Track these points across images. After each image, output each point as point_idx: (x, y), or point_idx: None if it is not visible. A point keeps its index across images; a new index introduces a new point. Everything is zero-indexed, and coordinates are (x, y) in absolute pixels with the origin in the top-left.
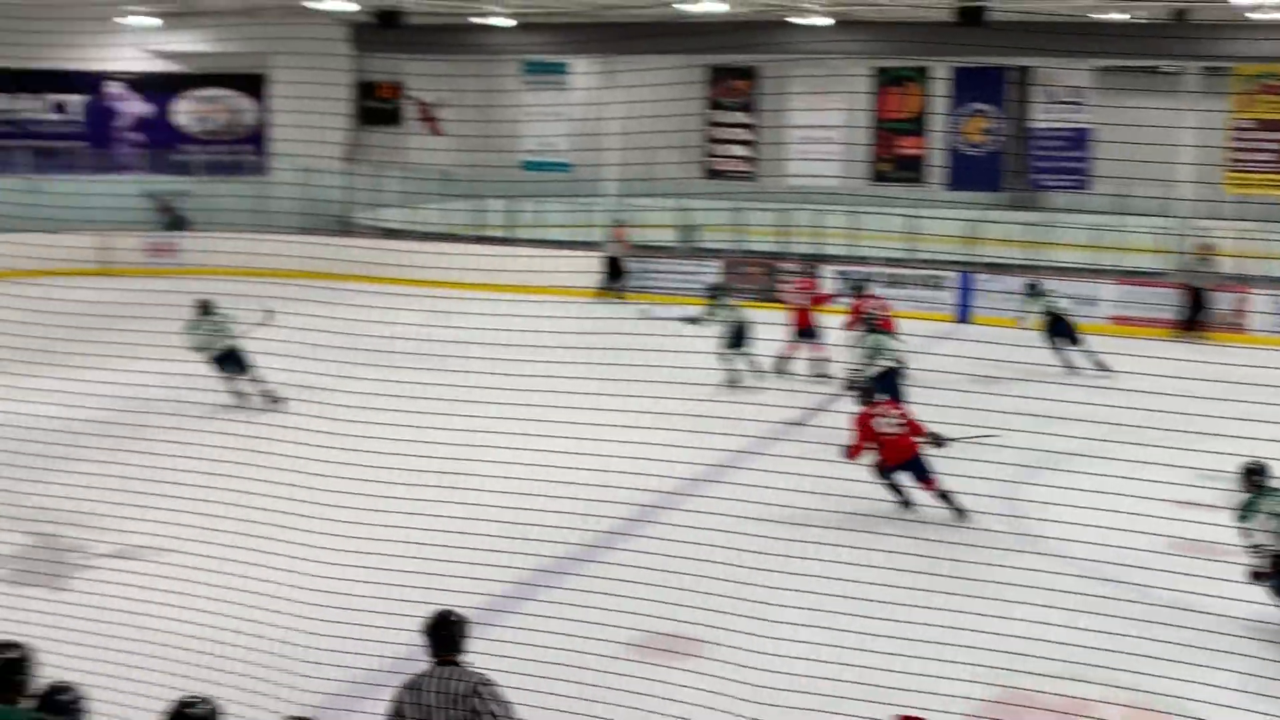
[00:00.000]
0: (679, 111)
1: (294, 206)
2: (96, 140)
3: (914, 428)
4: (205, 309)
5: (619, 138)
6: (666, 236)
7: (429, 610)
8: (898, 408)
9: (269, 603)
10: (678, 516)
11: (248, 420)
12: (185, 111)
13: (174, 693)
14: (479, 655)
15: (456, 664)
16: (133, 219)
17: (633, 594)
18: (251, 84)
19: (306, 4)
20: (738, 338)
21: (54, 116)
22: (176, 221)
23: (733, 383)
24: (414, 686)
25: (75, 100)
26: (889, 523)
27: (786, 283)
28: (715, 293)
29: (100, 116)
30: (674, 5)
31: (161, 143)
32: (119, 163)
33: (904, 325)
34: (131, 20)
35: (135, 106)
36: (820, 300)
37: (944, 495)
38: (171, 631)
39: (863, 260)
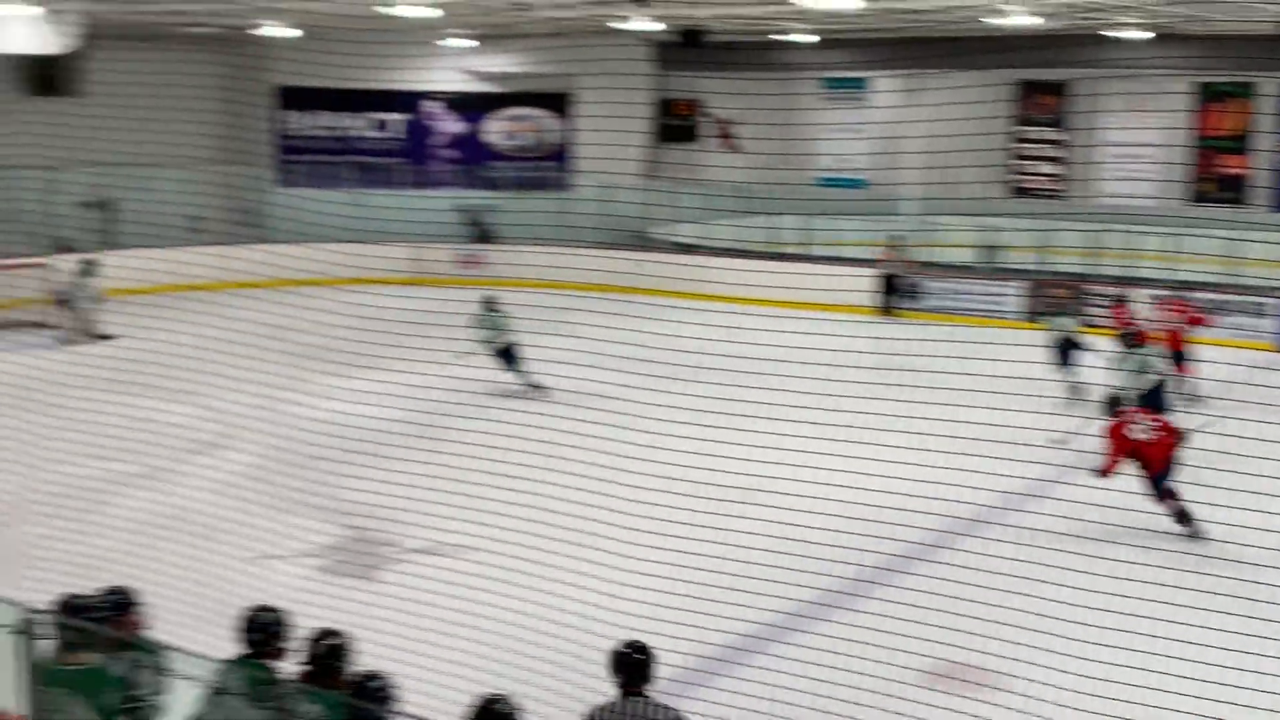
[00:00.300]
0: (983, 129)
1: (594, 221)
2: (414, 157)
3: (1169, 431)
4: (490, 305)
5: (919, 155)
6: (967, 256)
7: (721, 623)
8: (1150, 414)
9: (568, 604)
10: (971, 543)
11: (549, 426)
12: (496, 129)
13: (479, 687)
14: (763, 674)
15: (645, 696)
16: (445, 232)
17: (925, 620)
18: (558, 103)
19: (613, 24)
20: (1066, 354)
21: (376, 134)
22: (484, 234)
23: (1072, 397)
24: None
25: (396, 119)
26: (1167, 539)
27: (1102, 305)
28: (1047, 310)
29: (418, 134)
30: (981, 20)
31: (473, 159)
32: (434, 178)
33: (1222, 354)
34: (450, 43)
35: (451, 125)
36: (1195, 322)
37: (1181, 513)
38: (477, 627)
39: (1181, 284)
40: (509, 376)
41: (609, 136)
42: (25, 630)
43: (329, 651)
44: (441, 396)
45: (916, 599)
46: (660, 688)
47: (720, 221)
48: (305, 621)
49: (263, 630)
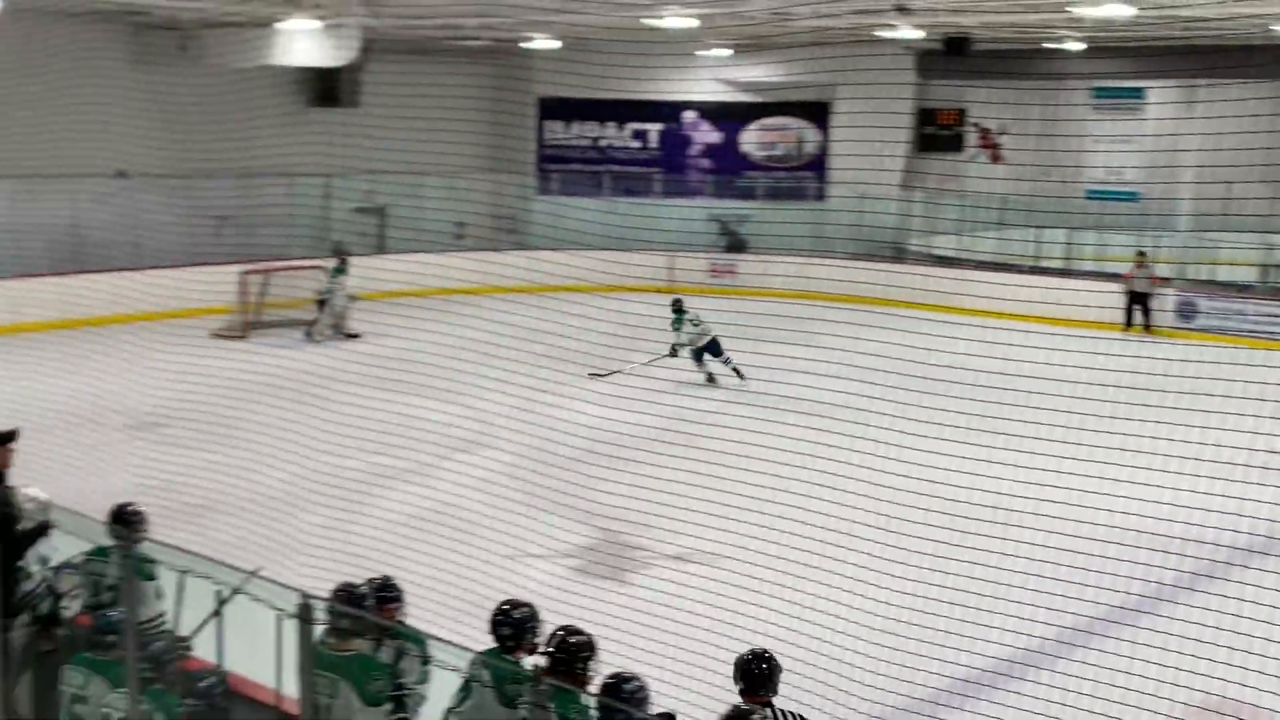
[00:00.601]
0: (1270, 143)
1: (848, 232)
2: (669, 166)
3: None
4: (679, 307)
5: (1196, 169)
6: (1246, 275)
7: (974, 645)
8: None
9: (818, 616)
10: (1242, 574)
11: (798, 437)
12: (752, 139)
13: (730, 695)
14: (1019, 700)
15: (770, 705)
16: (698, 241)
17: (1194, 652)
18: (816, 112)
19: (876, 33)
20: None
21: (633, 144)
22: (737, 244)
23: None
24: None
25: (653, 129)
26: None
27: None
28: None
29: (674, 144)
30: (1270, 27)
31: (728, 169)
32: (688, 188)
33: None
34: (708, 53)
35: (707, 134)
36: None
37: None
38: (726, 634)
39: None
40: (714, 369)
41: (867, 146)
42: (303, 616)
43: (573, 648)
44: (692, 404)
45: (1185, 629)
46: (908, 709)
47: (980, 234)
48: (557, 619)
49: (515, 625)
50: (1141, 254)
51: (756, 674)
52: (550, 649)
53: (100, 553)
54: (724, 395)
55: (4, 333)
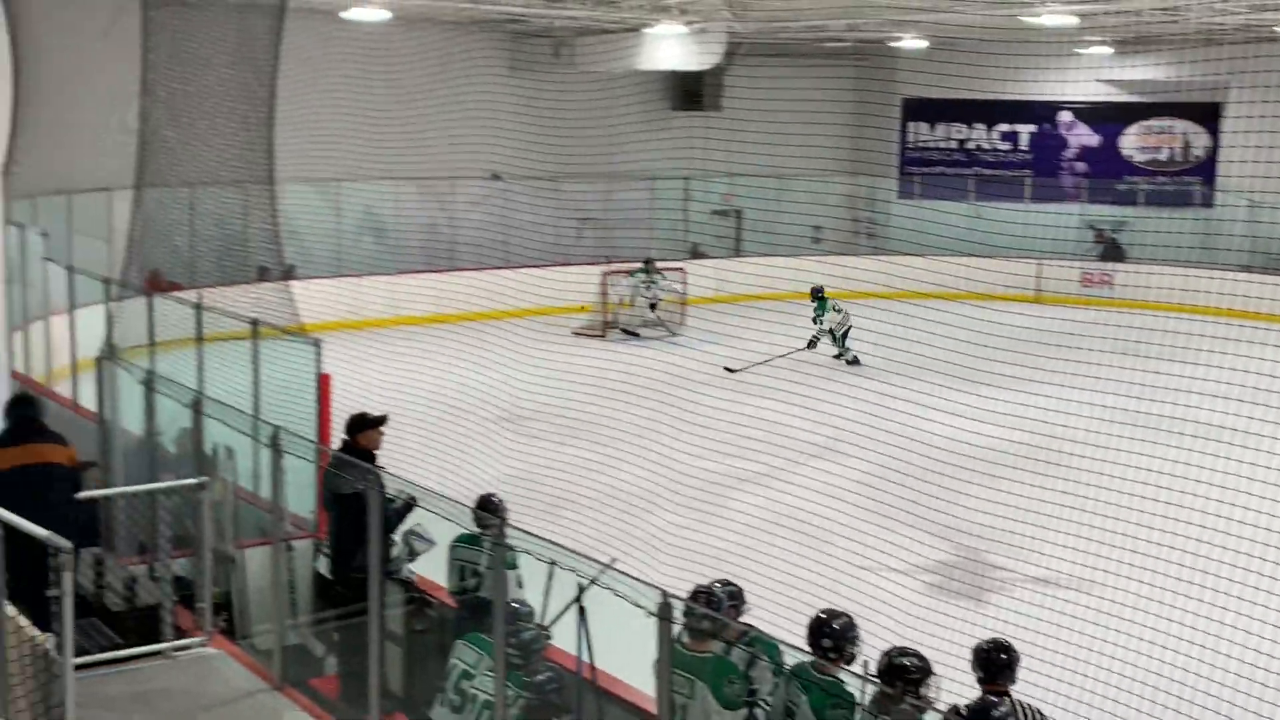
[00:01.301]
0: None
1: (1239, 243)
2: (1041, 169)
3: None
4: (820, 294)
5: None
6: None
7: None
8: None
9: (1190, 649)
10: None
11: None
12: (1132, 141)
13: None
14: None
15: (1007, 694)
16: (1069, 249)
17: None
18: (1204, 113)
19: (1276, 29)
20: None
21: (1003, 146)
22: (1113, 252)
23: None
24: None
25: (1024, 130)
26: None
27: None
28: None
29: (1046, 146)
30: None
31: (1105, 173)
32: (1061, 192)
33: None
34: (1086, 51)
35: (1083, 136)
36: None
37: None
38: (1090, 663)
39: None
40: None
41: (1265, 152)
42: (663, 614)
43: (902, 671)
44: (1059, 420)
45: None
46: None
47: None
48: (911, 636)
49: (836, 636)
50: None
51: (996, 663)
52: (883, 671)
53: (468, 539)
54: (1095, 412)
55: (384, 325)
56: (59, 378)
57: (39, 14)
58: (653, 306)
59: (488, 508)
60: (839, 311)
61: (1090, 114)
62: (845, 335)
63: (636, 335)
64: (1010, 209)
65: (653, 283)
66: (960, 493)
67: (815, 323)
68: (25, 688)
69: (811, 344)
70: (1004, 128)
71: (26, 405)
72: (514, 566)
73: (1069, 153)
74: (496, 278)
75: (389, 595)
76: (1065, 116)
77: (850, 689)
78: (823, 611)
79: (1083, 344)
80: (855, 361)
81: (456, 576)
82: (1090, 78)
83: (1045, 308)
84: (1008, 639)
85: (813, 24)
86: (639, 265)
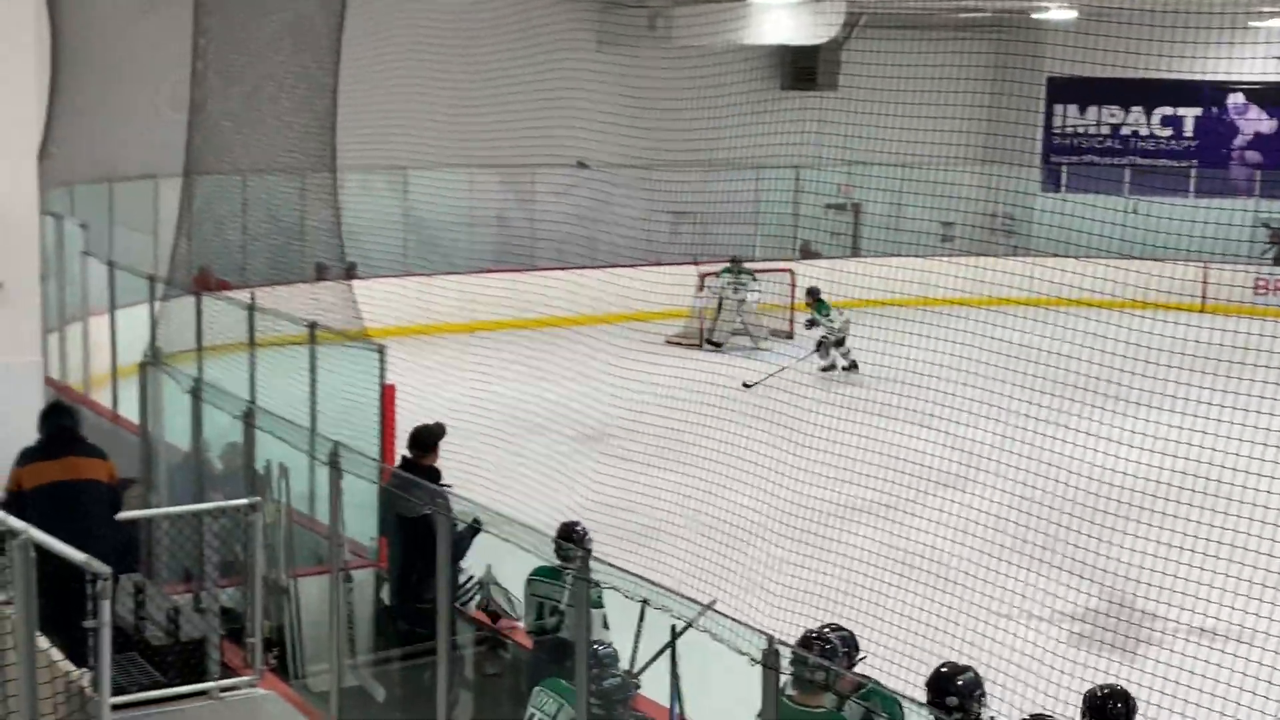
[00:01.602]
0: None
1: None
2: (1207, 159)
3: None
4: (817, 295)
5: None
6: None
7: None
8: None
9: None
10: None
11: None
12: None
13: None
14: None
15: None
16: (1242, 250)
17: None
18: None
19: None
20: None
21: (1163, 133)
22: None
23: None
24: None
25: (1188, 114)
26: None
27: None
28: None
29: (1215, 132)
30: None
31: None
32: (1232, 185)
33: None
34: (1265, 24)
35: (1257, 122)
36: None
37: None
38: None
39: None
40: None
41: None
42: (769, 663)
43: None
44: (1226, 448)
45: None
46: None
47: None
48: (1051, 692)
49: (962, 693)
50: None
51: (1110, 713)
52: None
53: (547, 573)
54: (1269, 438)
55: (457, 330)
56: (98, 385)
57: None
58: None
59: (570, 537)
60: (842, 314)
61: (1265, 96)
62: (843, 341)
63: (718, 346)
64: (1172, 204)
65: (740, 284)
66: (1111, 529)
67: (813, 326)
68: None
69: (821, 347)
70: (1165, 111)
71: (63, 415)
72: (599, 605)
73: (1240, 140)
74: (581, 278)
75: (459, 634)
76: (1236, 99)
77: None
78: (944, 665)
79: (1257, 360)
80: (854, 367)
81: (534, 614)
82: (1266, 54)
83: (1212, 318)
84: (1124, 687)
85: None
86: (723, 265)
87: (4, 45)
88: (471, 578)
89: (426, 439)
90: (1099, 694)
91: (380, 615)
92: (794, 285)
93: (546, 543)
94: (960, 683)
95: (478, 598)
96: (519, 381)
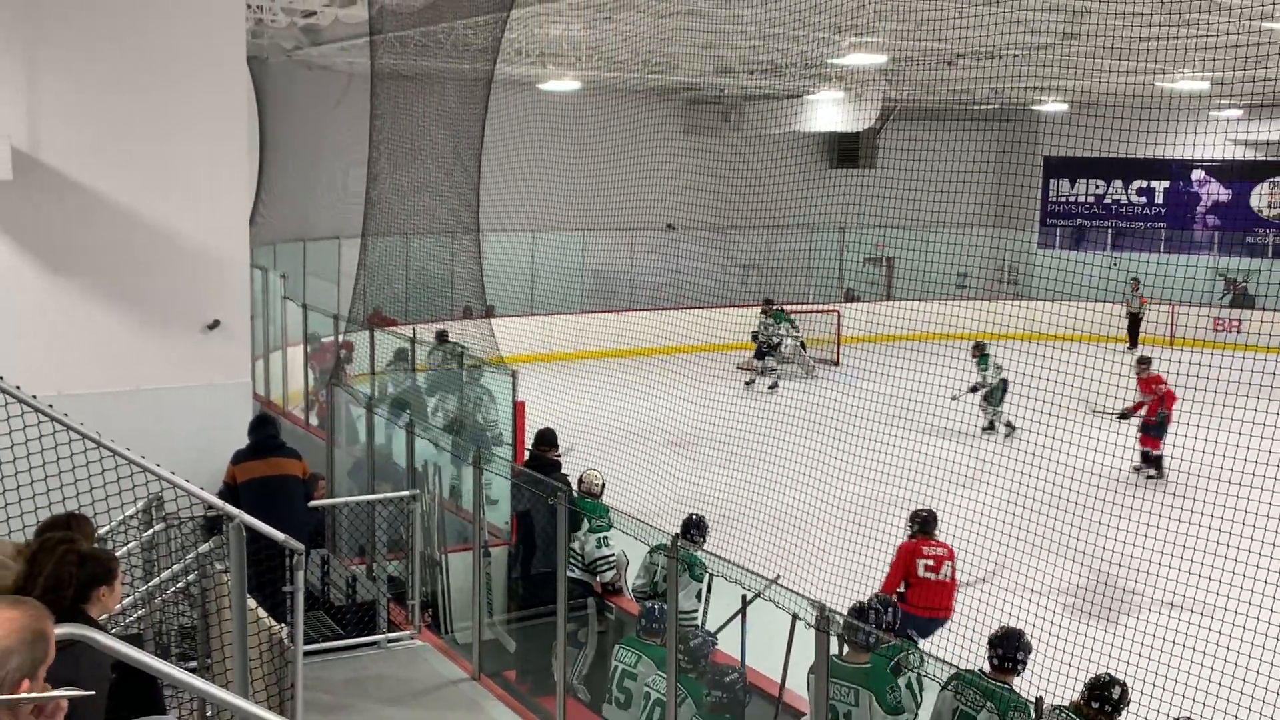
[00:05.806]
0: None
1: None
2: (1174, 222)
3: None
4: (983, 351)
5: None
6: None
7: None
8: None
9: None
10: None
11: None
12: (1262, 196)
13: None
14: None
15: None
16: (1202, 296)
17: None
18: None
19: None
20: None
21: (1138, 200)
22: (1241, 299)
23: None
24: None
25: (1159, 186)
26: None
27: None
28: None
29: (1179, 201)
30: None
31: (1235, 225)
32: (1193, 244)
33: None
34: (1224, 114)
35: (1214, 192)
36: None
37: None
38: (1211, 680)
39: None
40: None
41: None
42: (821, 626)
43: (1109, 699)
44: (1192, 455)
45: None
46: None
47: None
48: (1049, 653)
49: (1010, 648)
50: None
51: (1107, 697)
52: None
53: (664, 549)
54: (1225, 450)
55: (570, 359)
56: (293, 400)
57: (282, 90)
58: (775, 348)
59: (696, 525)
60: (1000, 369)
61: (1221, 171)
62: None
63: (752, 380)
64: (1145, 259)
65: (772, 323)
66: (1099, 521)
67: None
68: (263, 670)
69: (976, 390)
70: (1140, 184)
71: (268, 424)
72: (701, 580)
73: (1201, 207)
74: (669, 317)
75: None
76: (1199, 174)
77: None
78: (1004, 629)
79: (1214, 384)
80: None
81: (649, 578)
82: (1222, 138)
83: (1179, 350)
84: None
85: (960, 89)
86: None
87: (221, 134)
88: (614, 554)
89: (551, 437)
90: (1102, 680)
91: (511, 583)
92: (839, 324)
93: (648, 531)
94: (1012, 640)
95: (611, 573)
96: (620, 399)
